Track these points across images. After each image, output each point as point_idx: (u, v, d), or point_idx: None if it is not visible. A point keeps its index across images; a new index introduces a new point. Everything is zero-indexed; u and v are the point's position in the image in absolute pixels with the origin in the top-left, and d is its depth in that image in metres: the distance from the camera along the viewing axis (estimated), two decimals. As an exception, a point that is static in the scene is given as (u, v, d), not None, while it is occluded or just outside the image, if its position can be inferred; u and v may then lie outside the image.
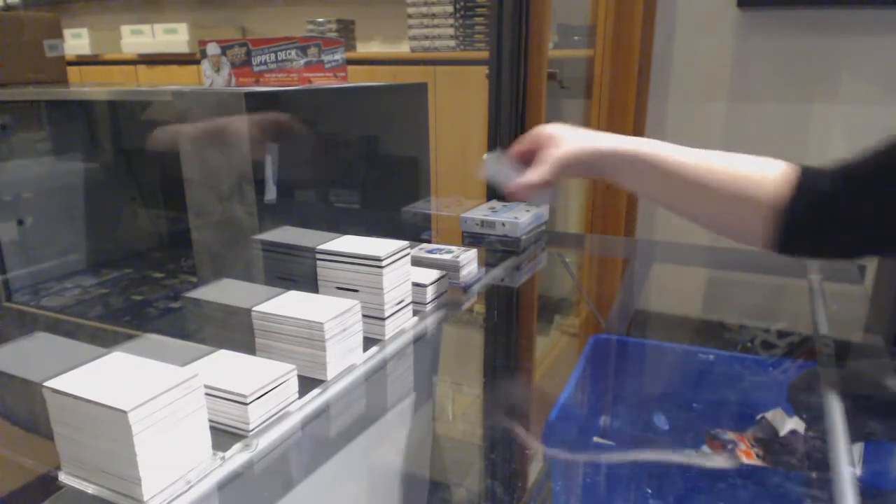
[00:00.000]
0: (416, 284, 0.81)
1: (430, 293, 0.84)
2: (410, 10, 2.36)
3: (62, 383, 0.46)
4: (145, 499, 0.45)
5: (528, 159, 0.79)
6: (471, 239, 1.13)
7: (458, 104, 2.18)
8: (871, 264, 1.85)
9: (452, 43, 2.33)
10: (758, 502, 0.61)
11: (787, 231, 0.61)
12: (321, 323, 0.62)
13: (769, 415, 0.92)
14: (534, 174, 0.74)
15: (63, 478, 0.48)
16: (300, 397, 0.60)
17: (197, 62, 1.03)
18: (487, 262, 1.06)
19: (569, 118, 2.23)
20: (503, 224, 1.10)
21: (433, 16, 2.33)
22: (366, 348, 0.71)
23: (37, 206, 1.18)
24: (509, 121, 1.31)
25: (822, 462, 0.56)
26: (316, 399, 0.62)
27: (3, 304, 1.07)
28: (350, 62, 1.02)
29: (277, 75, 0.89)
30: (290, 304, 0.66)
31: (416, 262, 0.86)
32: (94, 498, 0.47)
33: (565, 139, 0.73)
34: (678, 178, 0.68)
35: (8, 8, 3.36)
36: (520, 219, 1.10)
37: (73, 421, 0.46)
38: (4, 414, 0.58)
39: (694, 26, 1.95)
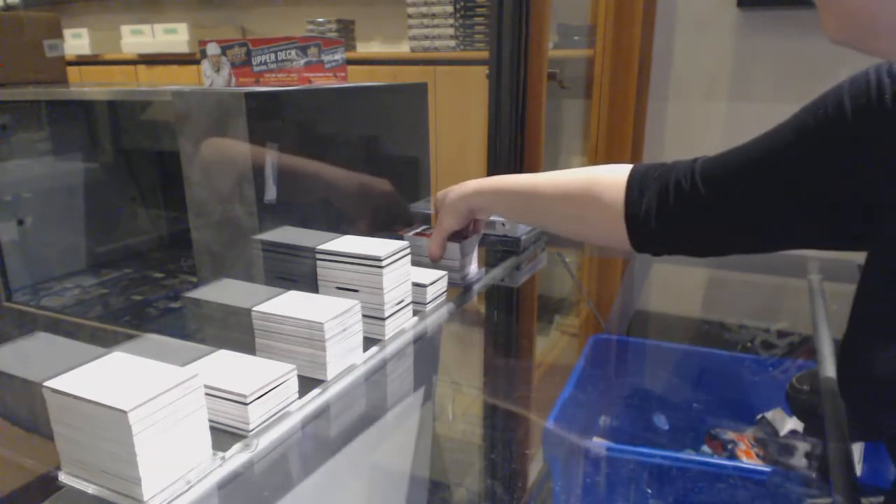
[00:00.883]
0: (416, 284, 0.81)
1: (430, 293, 0.84)
2: (410, 10, 2.36)
3: (62, 383, 0.46)
4: (145, 499, 0.45)
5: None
6: (471, 239, 1.12)
7: (458, 104, 2.18)
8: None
9: (452, 43, 2.33)
10: (758, 502, 0.61)
11: (636, 230, 0.63)
12: (321, 323, 0.62)
13: (769, 415, 0.92)
14: (431, 243, 0.82)
15: (63, 478, 0.48)
16: (300, 397, 0.60)
17: (197, 62, 1.03)
18: (487, 262, 1.06)
19: (569, 118, 2.24)
20: (503, 224, 1.10)
21: (433, 16, 2.33)
22: (366, 348, 0.71)
23: (37, 206, 1.18)
24: (509, 121, 1.31)
25: (822, 462, 0.56)
26: (316, 399, 0.62)
27: (3, 304, 1.07)
28: (350, 62, 1.02)
29: (277, 75, 0.89)
30: (290, 304, 0.66)
31: (416, 262, 0.86)
32: (94, 498, 0.47)
33: (446, 196, 0.80)
34: (534, 195, 0.71)
35: (8, 8, 3.36)
36: (520, 219, 1.10)
37: (73, 421, 0.46)
38: (4, 414, 0.58)
39: (694, 26, 1.95)
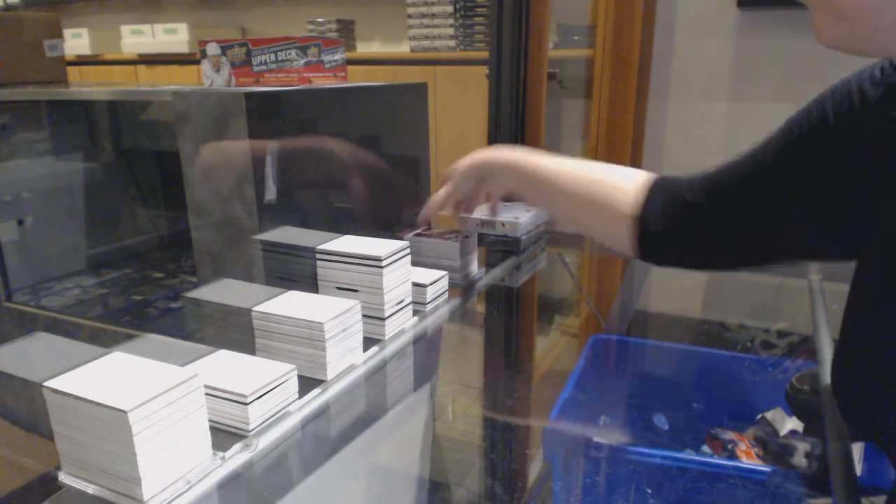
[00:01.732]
0: (416, 284, 0.81)
1: (430, 293, 0.84)
2: (410, 10, 2.36)
3: (62, 383, 0.46)
4: (145, 499, 0.45)
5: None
6: (471, 239, 1.12)
7: (458, 104, 2.18)
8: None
9: (452, 43, 2.33)
10: (757, 502, 0.61)
11: (644, 240, 0.62)
12: (321, 323, 0.62)
13: (769, 414, 0.92)
14: (430, 202, 0.80)
15: (63, 478, 0.48)
16: (300, 397, 0.60)
17: (197, 62, 1.03)
18: (487, 262, 1.06)
19: (569, 118, 2.23)
20: (503, 224, 1.10)
21: (433, 16, 2.33)
22: (366, 348, 0.71)
23: (37, 206, 1.18)
24: (509, 121, 1.31)
25: (822, 462, 0.56)
26: (316, 399, 0.62)
27: (3, 304, 1.07)
28: (350, 62, 1.02)
29: (277, 75, 0.89)
30: (290, 304, 0.66)
31: (416, 262, 0.86)
32: (94, 498, 0.47)
33: (457, 164, 0.79)
34: (548, 183, 0.70)
35: (8, 8, 3.36)
36: (520, 219, 1.10)
37: (73, 421, 0.46)
38: (4, 414, 0.58)
39: (694, 26, 1.95)
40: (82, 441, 0.46)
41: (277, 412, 0.58)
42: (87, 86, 1.29)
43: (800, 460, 0.79)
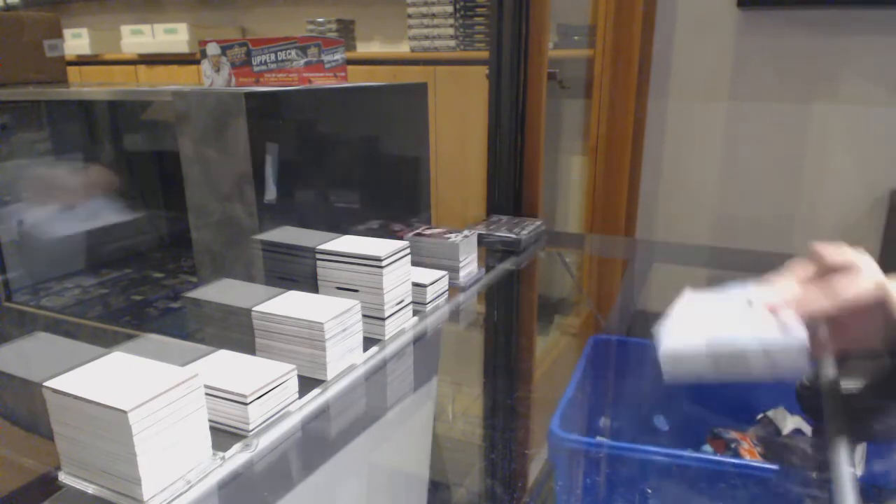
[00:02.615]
0: (416, 284, 0.81)
1: (430, 293, 0.84)
2: (410, 10, 2.36)
3: (62, 383, 0.46)
4: (145, 499, 0.45)
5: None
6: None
7: (458, 104, 2.18)
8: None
9: (452, 43, 2.33)
10: (758, 502, 0.61)
11: None
12: (321, 323, 0.62)
13: (771, 413, 0.92)
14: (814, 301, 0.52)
15: (63, 478, 0.48)
16: (300, 397, 0.60)
17: (197, 62, 1.03)
18: (487, 262, 1.06)
19: (569, 118, 2.23)
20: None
21: (433, 16, 2.33)
22: (366, 348, 0.71)
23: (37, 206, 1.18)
24: (509, 121, 1.31)
25: (822, 462, 0.56)
26: (316, 399, 0.62)
27: (3, 304, 1.07)
28: (350, 62, 1.02)
29: (277, 75, 0.89)
30: (290, 304, 0.66)
31: (416, 262, 0.86)
32: (94, 498, 0.47)
33: (863, 271, 0.53)
34: None
35: (8, 8, 3.36)
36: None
37: (73, 421, 0.46)
38: (4, 414, 0.58)
39: (694, 26, 1.95)
40: (82, 441, 0.46)
41: (277, 412, 0.58)
42: (87, 86, 1.29)
43: (802, 459, 0.79)
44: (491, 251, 1.12)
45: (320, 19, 2.67)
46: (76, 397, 0.45)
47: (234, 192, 0.76)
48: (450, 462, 0.60)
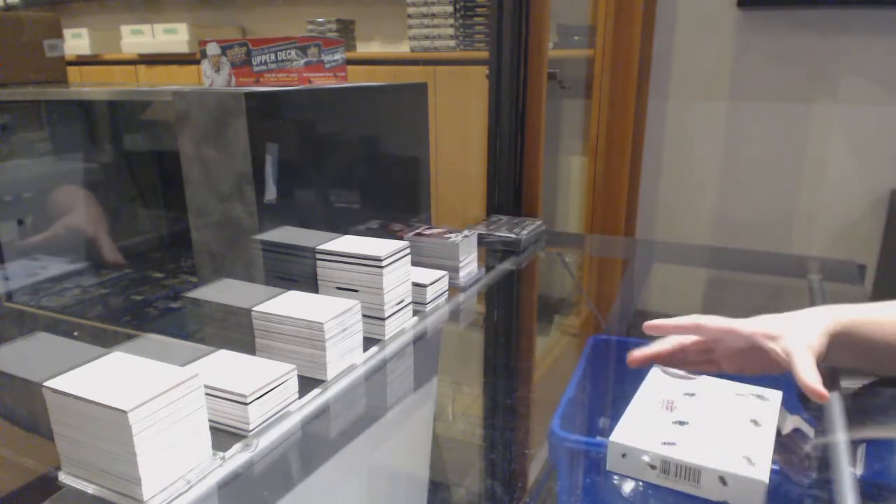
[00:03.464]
0: (416, 284, 0.81)
1: (430, 293, 0.84)
2: (410, 10, 2.36)
3: (62, 383, 0.46)
4: (145, 499, 0.45)
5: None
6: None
7: (458, 104, 2.18)
8: (871, 264, 1.85)
9: (452, 43, 2.33)
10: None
11: None
12: (321, 323, 0.62)
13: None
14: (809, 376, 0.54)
15: (63, 478, 0.48)
16: (300, 397, 0.60)
17: (197, 62, 1.03)
18: (487, 262, 1.06)
19: (569, 118, 2.23)
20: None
21: (433, 16, 2.33)
22: (366, 348, 0.71)
23: (37, 206, 1.18)
24: (509, 121, 1.31)
25: (822, 462, 0.56)
26: (316, 399, 0.62)
27: (3, 304, 1.07)
28: (350, 62, 1.02)
29: (277, 75, 0.89)
30: (290, 304, 0.66)
31: (416, 262, 0.86)
32: (94, 498, 0.47)
33: (783, 335, 0.57)
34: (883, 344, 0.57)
35: (8, 8, 3.35)
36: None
37: (73, 421, 0.46)
38: (4, 414, 0.58)
39: (694, 26, 1.95)
40: (82, 441, 0.46)
41: (277, 412, 0.58)
42: (87, 86, 1.29)
43: (801, 459, 0.79)
44: (491, 251, 1.12)
45: (320, 19, 2.67)
46: (76, 397, 0.45)
47: (234, 192, 0.76)
48: (450, 462, 0.60)
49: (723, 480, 0.48)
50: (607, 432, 0.53)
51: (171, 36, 2.89)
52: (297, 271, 0.77)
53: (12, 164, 1.16)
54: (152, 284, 1.16)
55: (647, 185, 2.12)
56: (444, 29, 2.33)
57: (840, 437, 0.58)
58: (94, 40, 3.11)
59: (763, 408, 0.57)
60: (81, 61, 3.12)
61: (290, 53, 0.87)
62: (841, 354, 0.58)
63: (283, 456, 0.55)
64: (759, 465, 0.48)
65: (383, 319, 0.74)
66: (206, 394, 0.50)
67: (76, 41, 3.10)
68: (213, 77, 0.92)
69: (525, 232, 1.15)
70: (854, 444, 0.57)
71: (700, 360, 0.66)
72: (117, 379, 0.47)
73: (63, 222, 1.12)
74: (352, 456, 0.57)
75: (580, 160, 2.21)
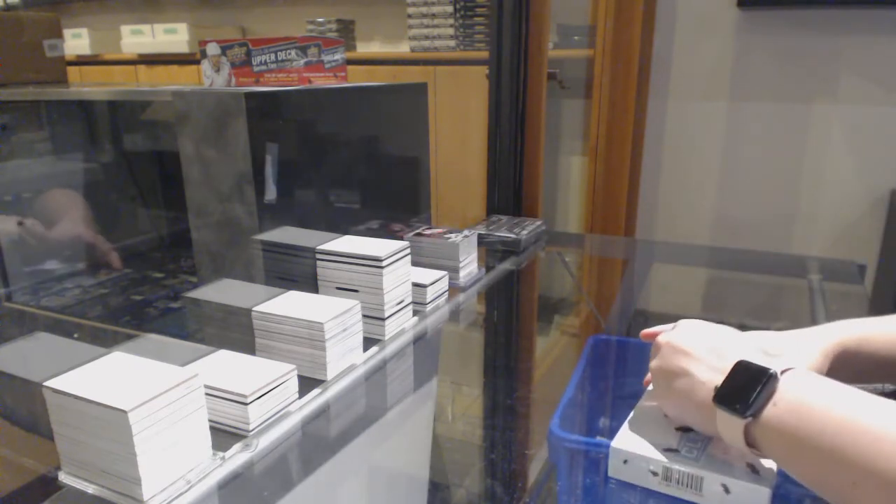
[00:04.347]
0: (416, 284, 0.81)
1: (430, 293, 0.84)
2: (410, 10, 2.36)
3: (62, 383, 0.46)
4: (145, 499, 0.45)
5: None
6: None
7: (458, 104, 2.18)
8: (871, 264, 1.85)
9: (452, 43, 2.33)
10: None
11: None
12: (321, 323, 0.62)
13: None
14: None
15: (63, 478, 0.48)
16: (300, 397, 0.60)
17: (197, 62, 1.03)
18: (487, 263, 1.06)
19: (569, 118, 2.23)
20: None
21: (433, 16, 2.33)
22: (366, 348, 0.71)
23: (36, 206, 1.18)
24: (509, 121, 1.31)
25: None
26: (316, 399, 0.62)
27: (3, 304, 1.07)
28: (350, 62, 1.02)
29: (277, 75, 0.89)
30: (290, 304, 0.66)
31: (416, 262, 0.86)
32: (94, 498, 0.47)
33: (782, 355, 0.52)
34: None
35: (8, 8, 3.35)
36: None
37: (73, 421, 0.46)
38: (4, 414, 0.58)
39: (694, 26, 1.95)
40: (82, 441, 0.46)
41: (277, 412, 0.58)
42: (87, 86, 1.29)
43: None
44: (491, 251, 1.13)
45: (320, 19, 2.67)
46: (76, 397, 0.45)
47: (234, 192, 0.76)
48: (450, 462, 0.60)
49: (726, 488, 0.47)
50: (607, 432, 0.53)
51: (171, 36, 2.89)
52: (297, 271, 0.77)
53: (12, 164, 1.16)
54: (152, 284, 1.16)
55: (647, 185, 2.12)
56: (444, 29, 2.33)
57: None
58: (94, 40, 3.11)
59: None
60: (81, 61, 3.12)
61: (290, 53, 0.87)
62: (842, 374, 0.56)
63: (283, 456, 0.55)
64: (762, 474, 0.48)
65: (383, 319, 0.74)
66: (207, 394, 0.50)
67: (76, 41, 3.10)
68: (213, 77, 0.92)
69: (525, 232, 1.15)
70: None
71: None
72: (117, 379, 0.47)
73: (56, 229, 1.12)
74: (352, 456, 0.57)
75: (580, 160, 2.21)
